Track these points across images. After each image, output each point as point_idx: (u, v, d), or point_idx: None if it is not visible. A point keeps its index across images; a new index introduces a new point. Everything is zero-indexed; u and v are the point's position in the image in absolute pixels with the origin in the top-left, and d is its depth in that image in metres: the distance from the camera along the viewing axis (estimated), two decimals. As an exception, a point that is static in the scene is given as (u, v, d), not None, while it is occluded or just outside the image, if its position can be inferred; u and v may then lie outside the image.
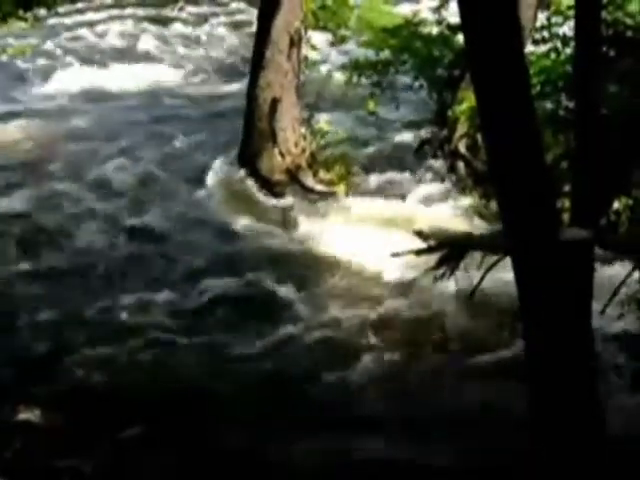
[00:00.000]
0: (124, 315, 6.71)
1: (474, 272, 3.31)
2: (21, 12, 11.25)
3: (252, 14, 19.39)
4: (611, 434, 3.62)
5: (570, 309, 3.49)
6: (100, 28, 22.05)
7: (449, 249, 3.14)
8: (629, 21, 7.27)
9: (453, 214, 8.33)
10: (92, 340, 6.38)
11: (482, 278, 3.22)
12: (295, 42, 9.05)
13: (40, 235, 8.29)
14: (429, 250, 3.17)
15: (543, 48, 9.12)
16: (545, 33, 9.63)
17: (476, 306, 5.91)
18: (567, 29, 8.76)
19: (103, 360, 6.10)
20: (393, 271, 6.82)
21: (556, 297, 3.40)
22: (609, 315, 4.22)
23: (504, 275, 3.60)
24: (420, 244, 3.16)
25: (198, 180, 9.47)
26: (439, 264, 3.19)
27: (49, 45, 19.42)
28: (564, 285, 3.40)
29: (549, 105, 7.03)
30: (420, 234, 3.17)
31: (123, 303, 6.88)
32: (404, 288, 6.74)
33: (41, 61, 17.79)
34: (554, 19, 9.72)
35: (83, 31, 21.60)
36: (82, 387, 5.79)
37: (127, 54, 18.68)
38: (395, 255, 3.32)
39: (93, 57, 18.12)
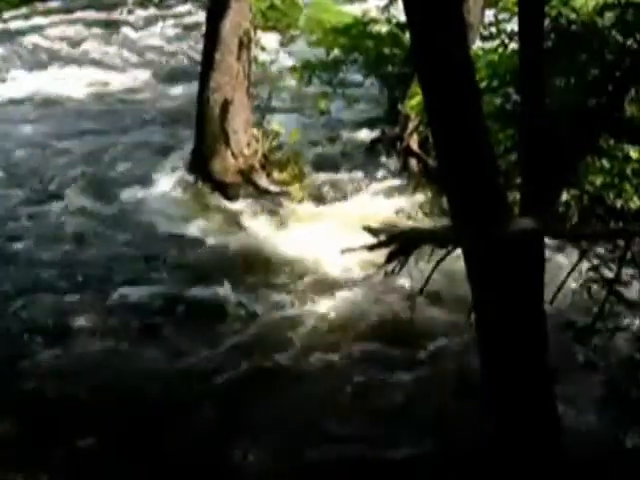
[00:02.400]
0: (73, 320, 6.60)
1: (427, 266, 3.33)
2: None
3: (202, 16, 19.33)
4: (564, 423, 3.66)
5: (522, 300, 3.53)
6: (47, 33, 21.80)
7: (398, 244, 3.16)
8: (574, 16, 7.38)
9: (407, 211, 8.38)
10: (40, 347, 6.27)
11: (431, 272, 3.24)
12: (244, 43, 9.02)
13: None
14: (379, 245, 3.18)
15: (491, 44, 9.24)
16: (493, 29, 9.75)
17: (429, 300, 5.95)
18: (515, 25, 8.87)
19: (53, 368, 6.00)
20: (347, 269, 6.84)
21: (507, 288, 3.43)
22: (559, 303, 4.27)
23: (457, 268, 3.63)
24: (371, 240, 3.17)
25: (149, 183, 9.39)
26: (389, 259, 3.20)
27: (-4, 50, 19.15)
28: (515, 276, 3.43)
29: (497, 99, 7.11)
30: (370, 230, 3.18)
31: (72, 308, 6.77)
32: (357, 285, 6.76)
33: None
34: (502, 16, 9.85)
35: (29, 36, 21.33)
36: (32, 396, 5.68)
37: (75, 58, 18.46)
38: (345, 251, 3.33)
39: (40, 62, 17.88)
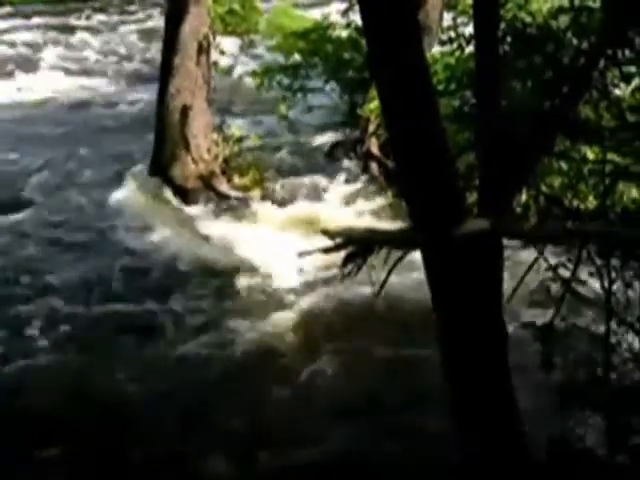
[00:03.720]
0: (34, 330, 6.52)
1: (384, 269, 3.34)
2: None
3: (160, 21, 19.25)
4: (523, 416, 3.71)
5: (480, 300, 3.55)
6: (5, 37, 21.55)
7: (355, 246, 3.16)
8: (529, 19, 7.47)
9: (368, 214, 8.41)
10: (5, 357, 6.19)
11: (388, 274, 3.24)
12: (204, 48, 9.00)
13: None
14: (336, 248, 3.18)
15: (450, 48, 9.30)
16: (452, 33, 9.82)
17: (387, 302, 5.97)
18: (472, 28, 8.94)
19: (13, 379, 5.92)
20: (307, 273, 6.84)
21: (466, 288, 3.45)
22: (518, 303, 4.31)
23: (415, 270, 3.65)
24: (329, 243, 3.17)
25: (109, 189, 9.32)
26: (345, 262, 3.20)
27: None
28: (473, 276, 3.45)
29: (455, 102, 7.15)
30: (327, 232, 3.18)
31: (33, 317, 6.69)
32: (317, 289, 6.76)
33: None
34: (460, 19, 9.92)
35: (-14, 41, 21.08)
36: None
37: (33, 64, 18.27)
38: (302, 254, 3.33)
39: (-2, 68, 17.69)
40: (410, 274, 3.93)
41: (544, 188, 6.37)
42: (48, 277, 7.53)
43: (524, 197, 6.34)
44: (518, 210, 5.82)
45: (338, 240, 3.13)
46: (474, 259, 3.34)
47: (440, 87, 6.84)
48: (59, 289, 7.27)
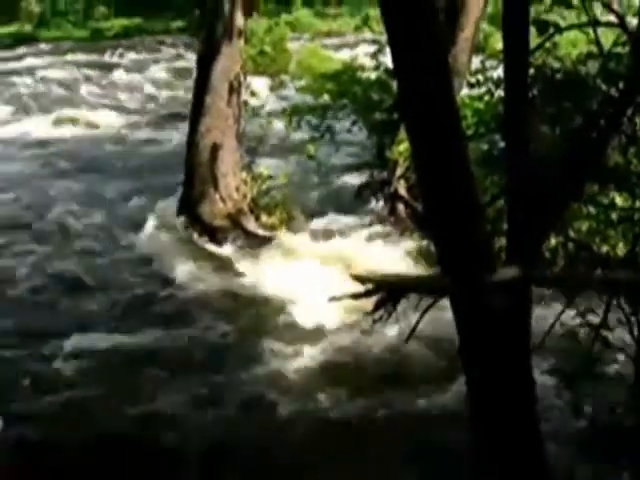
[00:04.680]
0: (58, 364, 6.55)
1: (414, 314, 3.34)
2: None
3: (192, 60, 19.56)
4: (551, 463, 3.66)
5: (508, 346, 3.53)
6: (39, 74, 22.00)
7: (386, 292, 3.17)
8: (558, 65, 7.50)
9: (394, 256, 8.39)
10: (28, 392, 6.21)
11: (418, 321, 3.24)
12: (235, 88, 9.11)
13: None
14: (366, 294, 3.19)
15: (478, 91, 9.35)
16: (480, 77, 9.87)
17: (416, 347, 5.95)
18: (501, 72, 8.99)
19: (39, 413, 5.94)
20: (334, 314, 6.81)
21: (494, 336, 3.44)
22: (546, 349, 4.28)
23: (445, 316, 3.64)
24: (359, 288, 3.18)
25: (139, 226, 9.42)
26: (376, 307, 3.21)
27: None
28: (502, 324, 3.44)
29: (483, 145, 7.17)
30: (358, 278, 3.19)
31: (58, 351, 6.72)
32: (344, 331, 6.74)
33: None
34: (488, 63, 9.98)
35: (22, 77, 21.53)
36: (11, 440, 5.61)
37: (67, 100, 18.62)
38: (333, 300, 3.34)
39: (32, 103, 18.02)
40: (441, 319, 3.91)
41: (572, 233, 6.34)
42: (71, 309, 7.59)
43: (552, 241, 6.32)
44: (546, 255, 5.80)
45: (368, 285, 3.14)
46: (503, 306, 3.34)
47: (469, 131, 6.86)
48: (84, 322, 7.32)
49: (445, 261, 3.42)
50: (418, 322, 3.22)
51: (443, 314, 3.65)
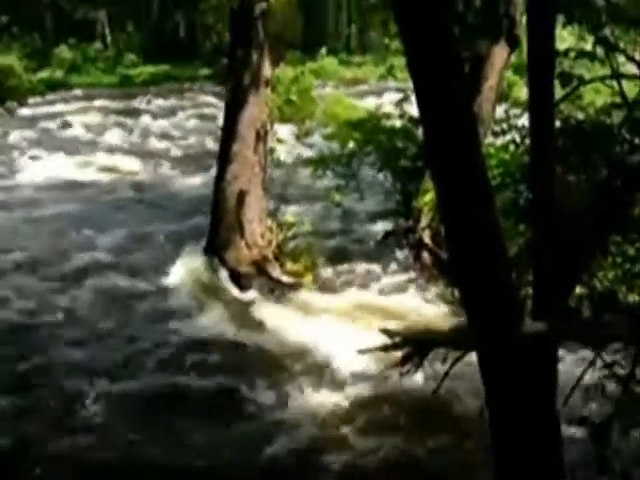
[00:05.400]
0: (85, 409, 6.57)
1: (440, 367, 3.34)
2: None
3: (219, 107, 19.82)
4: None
5: (535, 400, 3.51)
6: (69, 119, 22.38)
7: (414, 346, 3.18)
8: (582, 115, 7.54)
9: (419, 304, 8.38)
10: (51, 435, 6.23)
11: (445, 374, 3.24)
12: (261, 136, 9.22)
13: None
14: (394, 347, 3.20)
15: (503, 140, 9.41)
16: (504, 125, 9.94)
17: (442, 400, 5.91)
18: (525, 120, 9.05)
19: (66, 454, 5.95)
20: (359, 364, 6.78)
21: (521, 389, 3.43)
22: (573, 400, 4.24)
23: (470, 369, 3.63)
24: (386, 340, 3.20)
25: (164, 271, 9.48)
26: (404, 360, 3.22)
27: (19, 136, 19.65)
28: (528, 377, 3.43)
29: (509, 195, 7.20)
30: (386, 332, 3.21)
31: (85, 393, 6.75)
32: (368, 381, 6.70)
33: (10, 151, 17.95)
34: (512, 111, 10.05)
35: (52, 122, 21.91)
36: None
37: (95, 145, 18.90)
38: (362, 352, 3.35)
39: (61, 148, 18.30)
40: (467, 372, 3.89)
41: (598, 281, 6.31)
42: (91, 353, 7.61)
43: (578, 289, 6.28)
44: (572, 303, 5.78)
45: (397, 339, 3.16)
46: (529, 360, 3.33)
47: (494, 182, 6.89)
48: (105, 366, 7.34)
49: (471, 312, 3.43)
50: (446, 375, 3.22)
51: (469, 365, 3.65)
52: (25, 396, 6.78)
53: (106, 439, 6.18)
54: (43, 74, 30.20)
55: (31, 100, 24.94)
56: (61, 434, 6.25)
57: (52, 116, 22.68)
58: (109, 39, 36.27)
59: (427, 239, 9.17)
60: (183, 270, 9.37)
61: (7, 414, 6.52)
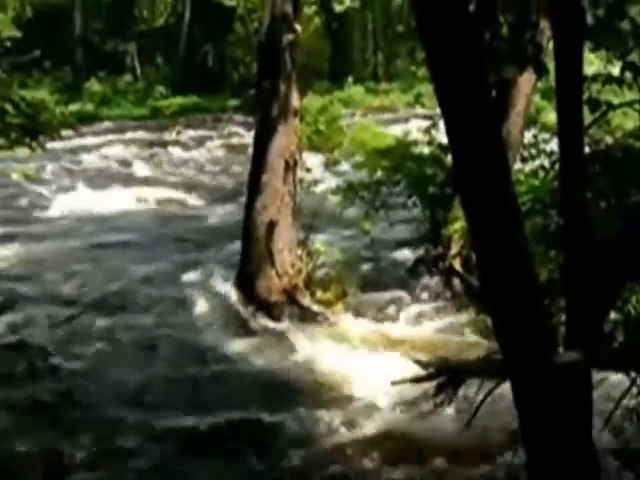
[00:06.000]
0: (117, 440, 6.58)
1: (474, 397, 3.31)
2: (27, 140, 11.60)
3: (247, 137, 19.99)
4: None
5: (570, 430, 3.48)
6: (101, 152, 22.70)
7: (447, 376, 3.17)
8: (610, 139, 7.52)
9: (450, 332, 8.34)
10: (87, 465, 6.25)
11: (479, 405, 3.22)
12: (290, 166, 9.28)
13: (25, 359, 8.24)
14: (428, 378, 3.19)
15: (531, 165, 9.38)
16: (533, 150, 9.92)
17: (476, 431, 5.83)
18: (554, 145, 9.04)
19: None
20: (391, 395, 6.72)
21: (556, 418, 3.40)
22: (609, 428, 4.19)
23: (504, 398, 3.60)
24: (419, 370, 3.19)
25: (192, 300, 9.53)
26: (437, 391, 3.20)
27: (51, 168, 19.97)
28: (563, 406, 3.40)
29: (539, 220, 7.16)
30: (420, 362, 3.20)
31: (106, 425, 6.75)
32: (400, 411, 6.65)
33: (43, 184, 18.22)
34: (541, 136, 10.03)
35: (84, 155, 22.23)
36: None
37: (126, 177, 19.14)
38: (395, 384, 3.34)
39: (93, 180, 18.55)
40: (502, 403, 3.85)
41: (632, 307, 6.25)
42: (122, 384, 7.63)
43: (612, 315, 6.22)
44: (605, 329, 5.72)
45: (430, 370, 3.15)
46: (564, 389, 3.31)
47: (524, 208, 6.87)
48: (142, 398, 7.35)
49: (503, 341, 3.41)
50: (480, 406, 3.20)
51: (504, 394, 3.62)
52: (59, 426, 6.81)
53: (129, 472, 6.17)
54: (74, 107, 30.65)
55: (63, 133, 25.27)
56: (96, 463, 6.26)
57: (84, 149, 23.00)
58: (139, 71, 36.80)
59: (458, 266, 9.14)
60: (213, 300, 9.43)
61: (39, 438, 6.55)
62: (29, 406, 7.18)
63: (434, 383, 3.22)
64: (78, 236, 13.40)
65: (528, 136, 9.99)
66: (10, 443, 6.48)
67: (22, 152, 13.01)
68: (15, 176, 19.00)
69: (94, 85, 34.27)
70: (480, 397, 3.27)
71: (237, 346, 8.37)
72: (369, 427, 6.54)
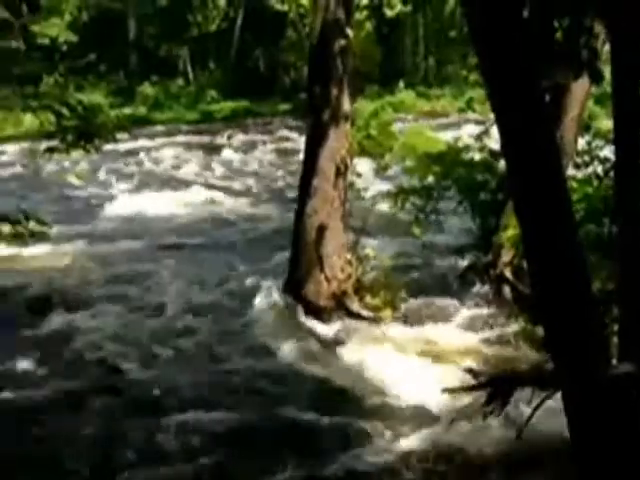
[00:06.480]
0: (165, 437, 6.65)
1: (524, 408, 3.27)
2: (82, 142, 11.81)
3: (298, 141, 20.07)
4: None
5: (623, 443, 3.42)
6: (153, 155, 23.00)
7: (499, 385, 3.13)
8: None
9: (499, 340, 8.25)
10: (135, 463, 6.33)
11: (531, 415, 3.18)
12: (341, 171, 9.28)
13: (83, 354, 8.40)
14: (479, 387, 3.16)
15: (584, 172, 9.25)
16: (586, 157, 9.78)
17: (526, 442, 5.74)
18: (608, 152, 8.90)
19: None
20: (439, 403, 6.63)
21: (608, 430, 3.34)
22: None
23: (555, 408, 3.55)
24: (469, 378, 3.16)
25: (244, 303, 9.59)
26: (488, 401, 3.16)
27: (105, 170, 20.29)
28: (615, 418, 3.35)
29: (593, 229, 7.06)
30: (471, 371, 3.17)
31: (164, 425, 6.84)
32: (447, 419, 6.55)
33: (98, 186, 18.53)
34: (595, 142, 9.88)
35: (136, 157, 22.55)
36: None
37: (178, 180, 19.34)
38: (445, 392, 3.32)
39: (146, 182, 18.82)
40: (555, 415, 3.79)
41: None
42: (175, 385, 7.70)
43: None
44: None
45: (481, 379, 3.12)
46: (617, 401, 3.25)
47: (578, 216, 6.77)
48: (191, 399, 7.41)
49: (555, 352, 3.37)
50: (531, 416, 3.16)
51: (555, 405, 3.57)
52: (109, 426, 6.91)
53: (184, 470, 6.23)
54: (127, 110, 31.10)
55: (117, 136, 25.70)
56: (144, 462, 6.34)
57: (137, 151, 23.34)
58: (191, 76, 37.18)
59: (508, 274, 9.04)
60: (263, 303, 9.47)
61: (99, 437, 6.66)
62: (88, 404, 7.31)
63: (484, 392, 3.19)
64: (131, 238, 13.59)
65: (581, 143, 9.85)
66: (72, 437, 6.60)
67: (76, 154, 13.27)
68: (70, 178, 19.37)
69: (147, 89, 34.73)
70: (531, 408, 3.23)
71: (285, 349, 8.39)
72: (414, 436, 6.46)
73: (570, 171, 9.02)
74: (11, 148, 23.21)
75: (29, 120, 19.80)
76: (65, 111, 11.33)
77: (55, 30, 32.01)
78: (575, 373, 3.18)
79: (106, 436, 6.76)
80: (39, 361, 8.20)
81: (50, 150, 12.32)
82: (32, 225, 13.51)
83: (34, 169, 19.96)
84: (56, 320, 9.35)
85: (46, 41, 30.75)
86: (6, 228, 13.58)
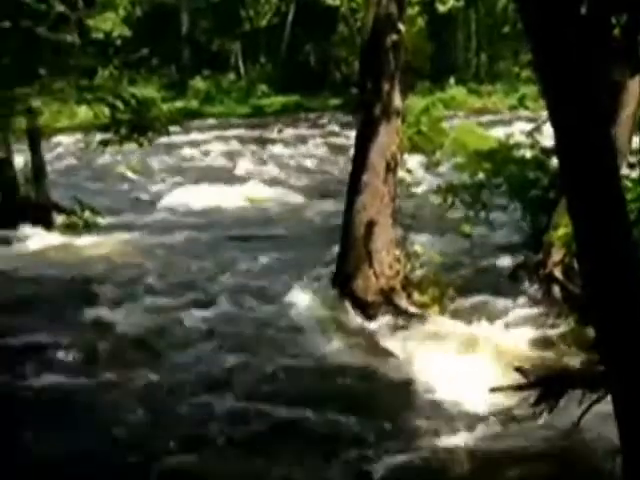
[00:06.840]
0: (208, 425, 6.70)
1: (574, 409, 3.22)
2: (135, 135, 12.00)
3: (347, 136, 20.07)
4: None
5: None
6: (204, 148, 23.22)
7: (549, 386, 3.10)
8: None
9: (548, 340, 8.15)
10: (180, 448, 6.39)
11: (581, 417, 3.14)
12: (391, 166, 9.25)
13: (130, 347, 8.51)
14: (528, 386, 3.13)
15: (638, 171, 9.10)
16: (641, 157, 9.62)
17: (574, 444, 5.65)
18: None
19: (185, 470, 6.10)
20: (487, 402, 6.51)
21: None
22: None
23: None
24: (512, 377, 3.13)
25: (292, 298, 9.62)
26: (538, 401, 3.13)
27: (157, 163, 20.55)
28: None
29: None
30: (520, 370, 3.14)
31: (207, 413, 6.90)
32: (494, 418, 6.48)
33: (150, 178, 18.78)
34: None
35: (189, 151, 22.79)
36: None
37: (228, 173, 19.52)
38: (495, 390, 3.29)
39: (198, 175, 19.02)
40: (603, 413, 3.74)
41: None
42: (217, 375, 7.75)
43: None
44: None
45: (531, 378, 3.09)
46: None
47: (632, 216, 6.67)
48: (235, 390, 7.46)
49: (606, 353, 3.32)
50: (581, 417, 3.12)
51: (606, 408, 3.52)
52: (151, 412, 6.99)
53: (228, 459, 6.27)
54: (179, 104, 31.42)
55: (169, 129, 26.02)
56: (186, 449, 6.40)
57: (188, 145, 23.59)
58: (242, 70, 37.42)
59: (558, 273, 8.93)
60: (310, 298, 9.48)
61: (136, 425, 6.76)
62: (130, 391, 7.40)
63: (530, 392, 3.16)
64: (183, 229, 13.75)
65: (636, 141, 9.70)
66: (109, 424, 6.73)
67: (129, 147, 13.48)
68: (123, 170, 19.67)
69: (199, 83, 35.08)
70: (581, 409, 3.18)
71: (332, 344, 8.40)
72: (461, 435, 6.37)
73: (624, 170, 8.89)
74: (65, 140, 23.61)
75: (83, 112, 20.13)
76: (119, 104, 11.51)
77: (109, 24, 32.37)
78: (626, 376, 3.13)
79: (146, 422, 6.82)
80: (81, 350, 8.30)
81: (104, 142, 12.56)
82: (87, 215, 13.82)
83: (88, 161, 20.30)
84: (102, 312, 9.46)
85: (100, 35, 31.16)
86: (60, 218, 13.89)
